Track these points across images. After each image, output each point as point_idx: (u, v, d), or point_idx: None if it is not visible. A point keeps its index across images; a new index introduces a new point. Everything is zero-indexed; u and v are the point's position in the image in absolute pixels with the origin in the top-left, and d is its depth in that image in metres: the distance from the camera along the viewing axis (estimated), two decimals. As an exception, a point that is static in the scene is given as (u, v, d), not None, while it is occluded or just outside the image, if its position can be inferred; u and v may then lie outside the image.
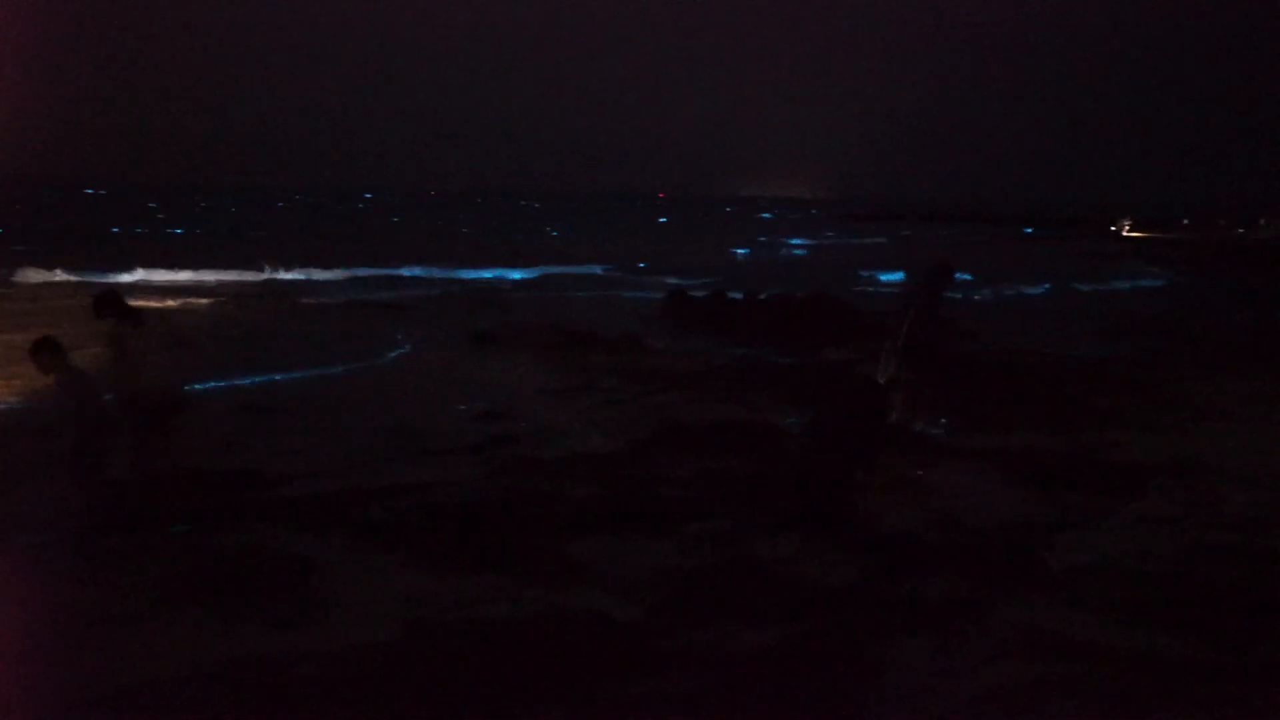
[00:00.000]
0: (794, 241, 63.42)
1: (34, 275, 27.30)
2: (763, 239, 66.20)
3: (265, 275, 29.88)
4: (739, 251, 53.13)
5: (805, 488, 7.18)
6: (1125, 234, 75.81)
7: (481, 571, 6.33)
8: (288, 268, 30.72)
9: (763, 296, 21.29)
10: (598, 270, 35.74)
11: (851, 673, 5.05)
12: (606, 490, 8.04)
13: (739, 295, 21.21)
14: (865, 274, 34.96)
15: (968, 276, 28.28)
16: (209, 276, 29.25)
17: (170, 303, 22.44)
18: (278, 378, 13.55)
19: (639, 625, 5.60)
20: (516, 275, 32.87)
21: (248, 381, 13.12)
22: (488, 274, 32.61)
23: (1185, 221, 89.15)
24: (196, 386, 11.23)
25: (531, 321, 19.04)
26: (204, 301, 23.59)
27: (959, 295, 24.19)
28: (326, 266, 31.69)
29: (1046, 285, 32.02)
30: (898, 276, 31.56)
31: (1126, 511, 7.72)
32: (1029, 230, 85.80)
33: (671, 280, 29.58)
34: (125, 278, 27.55)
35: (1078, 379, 13.16)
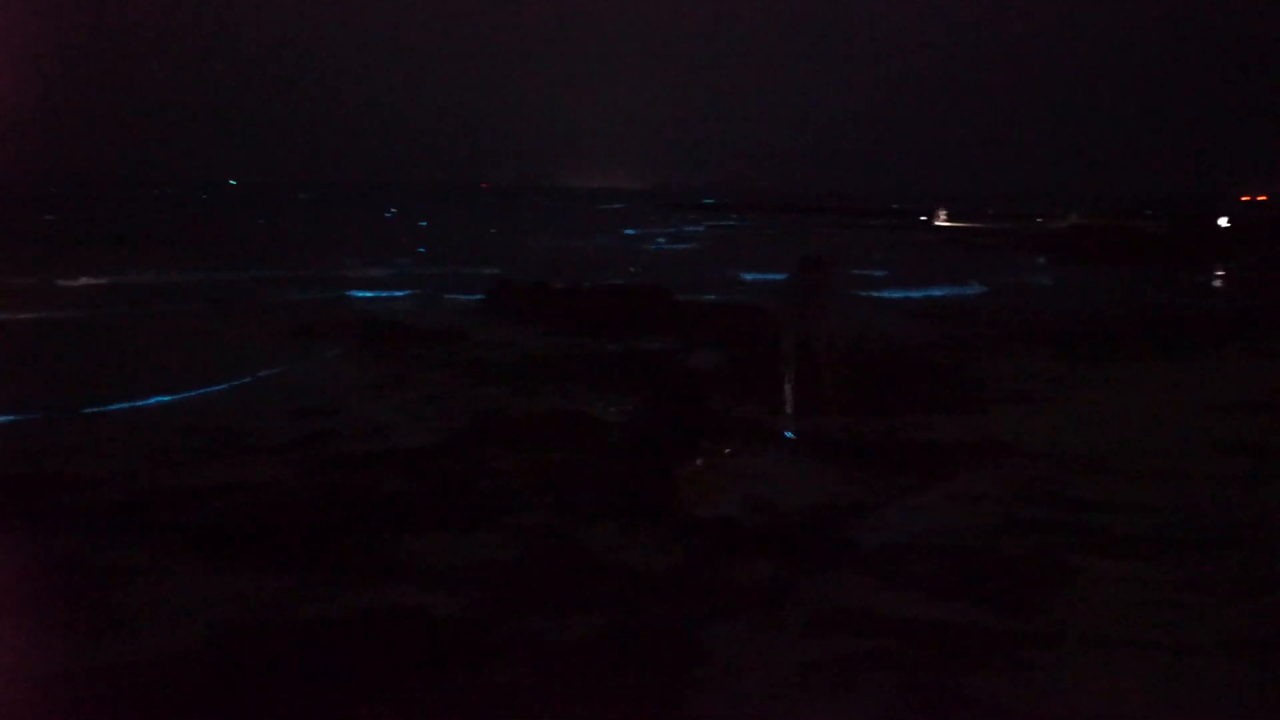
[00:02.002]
0: (629, 232, 63.61)
1: None
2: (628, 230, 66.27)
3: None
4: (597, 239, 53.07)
5: (625, 476, 7.26)
6: (940, 224, 79.31)
7: (298, 572, 6.16)
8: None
9: (586, 286, 21.42)
10: (417, 262, 35.17)
11: (670, 657, 5.12)
12: (426, 484, 7.94)
13: (562, 285, 21.29)
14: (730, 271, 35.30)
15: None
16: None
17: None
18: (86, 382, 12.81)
19: (460, 620, 5.55)
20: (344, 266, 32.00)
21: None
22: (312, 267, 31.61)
23: (990, 212, 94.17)
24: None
25: (351, 315, 18.65)
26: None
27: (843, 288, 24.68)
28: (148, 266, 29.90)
29: (883, 273, 33.00)
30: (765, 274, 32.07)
31: (936, 490, 8.08)
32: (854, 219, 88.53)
33: (493, 271, 29.37)
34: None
35: (894, 364, 13.70)
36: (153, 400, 11.44)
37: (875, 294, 26.44)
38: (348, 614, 5.58)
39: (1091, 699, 4.75)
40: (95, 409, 10.90)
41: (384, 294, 24.78)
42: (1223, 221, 66.38)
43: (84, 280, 26.72)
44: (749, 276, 31.53)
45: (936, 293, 25.46)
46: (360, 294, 24.60)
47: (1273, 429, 10.38)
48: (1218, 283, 33.21)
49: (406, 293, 25.10)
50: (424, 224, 69.12)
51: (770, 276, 27.94)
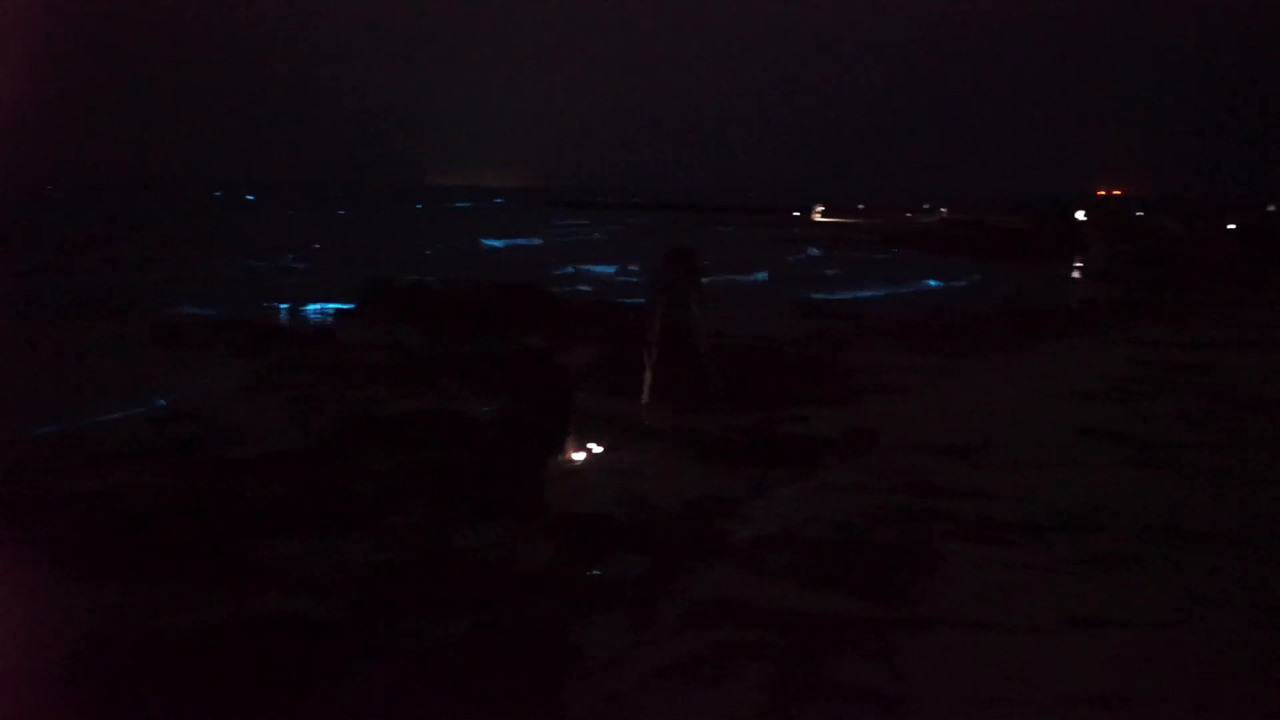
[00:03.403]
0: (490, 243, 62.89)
1: None
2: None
3: None
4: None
5: (499, 475, 7.24)
6: (816, 219, 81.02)
7: (165, 581, 5.97)
8: None
9: (461, 285, 21.21)
10: (290, 262, 34.34)
11: (545, 655, 5.13)
12: (297, 488, 7.76)
13: (436, 284, 21.05)
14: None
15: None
16: None
17: None
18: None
19: (332, 624, 5.46)
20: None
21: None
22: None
23: (861, 207, 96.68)
24: None
25: (221, 317, 18.12)
26: None
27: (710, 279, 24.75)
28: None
29: (765, 273, 33.26)
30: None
31: (807, 482, 8.24)
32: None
33: (366, 272, 28.80)
34: None
35: (766, 357, 13.91)
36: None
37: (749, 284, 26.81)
38: (216, 622, 5.44)
39: (957, 680, 4.91)
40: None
41: (254, 288, 24.16)
42: (1080, 215, 69.25)
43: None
44: (615, 271, 31.72)
45: (818, 296, 25.86)
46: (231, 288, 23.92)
47: (1125, 415, 10.87)
48: (1074, 274, 34.61)
49: (279, 286, 24.53)
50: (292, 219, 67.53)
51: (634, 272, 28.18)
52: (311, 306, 21.41)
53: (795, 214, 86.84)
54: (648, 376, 10.27)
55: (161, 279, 27.07)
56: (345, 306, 20.54)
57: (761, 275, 31.64)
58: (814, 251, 43.56)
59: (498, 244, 52.25)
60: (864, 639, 5.33)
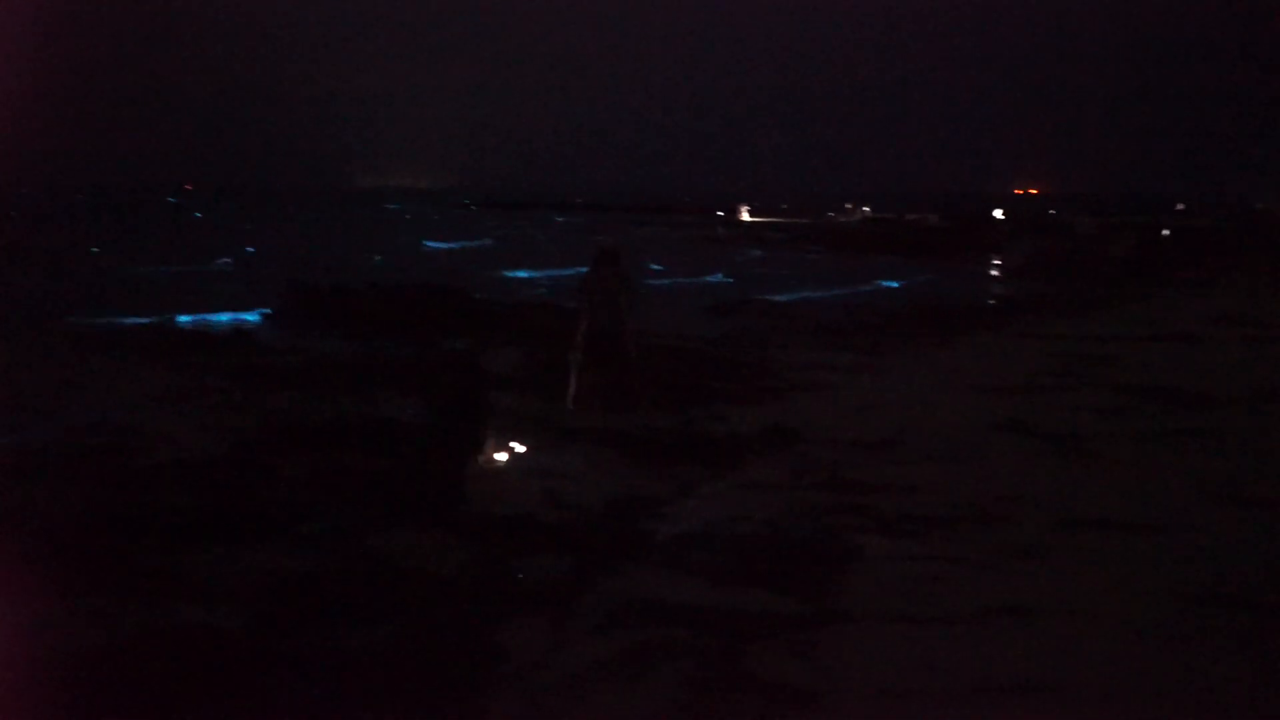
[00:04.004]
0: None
1: None
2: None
3: None
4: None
5: (418, 478, 7.17)
6: (744, 219, 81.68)
7: (72, 594, 5.80)
8: None
9: (385, 288, 20.95)
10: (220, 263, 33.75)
11: (465, 659, 5.09)
12: (213, 496, 7.59)
13: (358, 286, 20.77)
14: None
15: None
16: None
17: None
18: None
19: (245, 634, 5.36)
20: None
21: None
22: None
23: (784, 206, 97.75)
24: None
25: (137, 324, 17.69)
26: None
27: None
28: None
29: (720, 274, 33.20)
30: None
31: (728, 480, 8.29)
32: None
33: (285, 274, 28.36)
34: None
35: (689, 357, 13.97)
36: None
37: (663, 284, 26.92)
38: (125, 635, 5.30)
39: (876, 673, 4.97)
40: None
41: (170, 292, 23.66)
42: (998, 214, 70.76)
43: None
44: (540, 275, 31.69)
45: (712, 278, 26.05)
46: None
47: (1037, 408, 11.12)
48: (990, 271, 35.32)
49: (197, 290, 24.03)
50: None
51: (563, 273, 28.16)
52: (225, 314, 21.00)
53: (720, 214, 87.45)
54: (573, 378, 10.24)
55: (78, 285, 26.43)
56: (265, 311, 20.20)
57: (717, 276, 31.88)
58: (757, 253, 44.10)
59: (439, 245, 51.68)
60: (784, 634, 5.37)
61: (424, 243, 53.21)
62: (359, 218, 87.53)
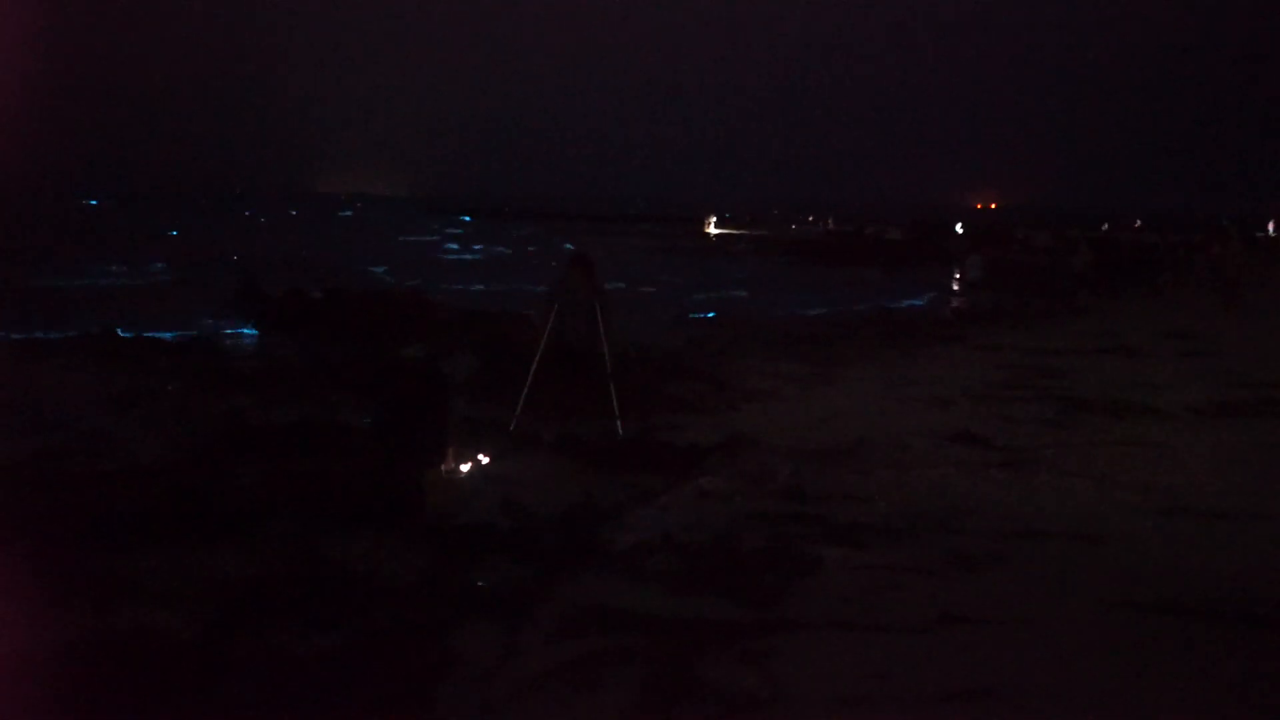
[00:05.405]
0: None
1: None
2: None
3: None
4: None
5: (374, 484, 7.14)
6: (710, 230, 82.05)
7: (19, 599, 5.75)
8: None
9: (343, 292, 20.81)
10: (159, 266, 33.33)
11: (419, 665, 5.08)
12: (165, 500, 7.51)
13: (315, 291, 20.61)
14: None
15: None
16: None
17: None
18: None
19: (197, 639, 5.32)
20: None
21: None
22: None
23: (749, 218, 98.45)
24: None
25: (87, 324, 17.46)
26: None
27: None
28: None
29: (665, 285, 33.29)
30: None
31: (685, 489, 8.31)
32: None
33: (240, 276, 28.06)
34: None
35: (649, 366, 13.98)
36: None
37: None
38: (76, 639, 5.25)
39: (828, 680, 5.02)
40: None
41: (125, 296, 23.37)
42: (958, 228, 71.72)
43: None
44: (499, 281, 31.63)
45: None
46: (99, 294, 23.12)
47: (989, 419, 11.25)
48: (948, 283, 35.68)
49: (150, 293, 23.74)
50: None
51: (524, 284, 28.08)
52: (188, 311, 20.81)
53: (686, 224, 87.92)
54: (527, 385, 10.20)
55: (27, 289, 26.10)
56: (222, 317, 20.04)
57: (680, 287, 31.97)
58: (722, 264, 44.39)
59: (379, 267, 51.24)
60: (737, 642, 5.40)
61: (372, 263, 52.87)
62: (314, 222, 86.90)
